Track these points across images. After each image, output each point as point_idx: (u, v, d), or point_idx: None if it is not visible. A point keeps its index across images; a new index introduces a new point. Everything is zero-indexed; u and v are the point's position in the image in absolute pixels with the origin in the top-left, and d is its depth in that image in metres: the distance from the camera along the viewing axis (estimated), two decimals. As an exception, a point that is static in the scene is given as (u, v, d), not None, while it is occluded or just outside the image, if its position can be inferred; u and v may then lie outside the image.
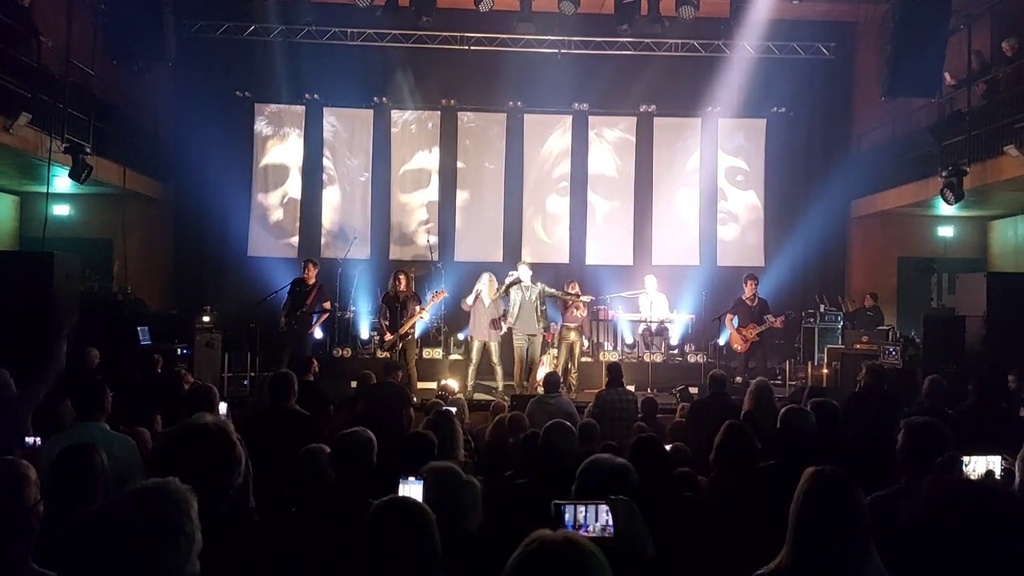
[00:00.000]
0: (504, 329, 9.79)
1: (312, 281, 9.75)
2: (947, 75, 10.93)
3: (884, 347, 9.65)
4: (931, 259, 12.54)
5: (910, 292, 13.04)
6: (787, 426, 3.89)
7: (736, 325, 10.17)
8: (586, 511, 2.18)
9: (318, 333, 10.34)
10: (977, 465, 3.40)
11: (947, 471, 2.95)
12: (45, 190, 9.89)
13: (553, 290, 10.11)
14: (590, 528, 2.18)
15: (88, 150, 9.85)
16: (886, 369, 7.21)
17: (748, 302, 10.18)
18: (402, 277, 9.83)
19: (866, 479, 2.65)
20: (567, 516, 2.18)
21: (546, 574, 1.52)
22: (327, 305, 9.84)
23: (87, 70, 10.67)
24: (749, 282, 10.28)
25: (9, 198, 12.13)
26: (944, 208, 10.98)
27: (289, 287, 9.86)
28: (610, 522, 2.13)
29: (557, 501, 2.20)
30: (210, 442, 2.36)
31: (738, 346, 10.19)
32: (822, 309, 12.01)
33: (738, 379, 9.67)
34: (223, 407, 6.11)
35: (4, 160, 9.69)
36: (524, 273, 9.84)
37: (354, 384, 8.01)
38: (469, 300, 10.01)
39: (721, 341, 10.98)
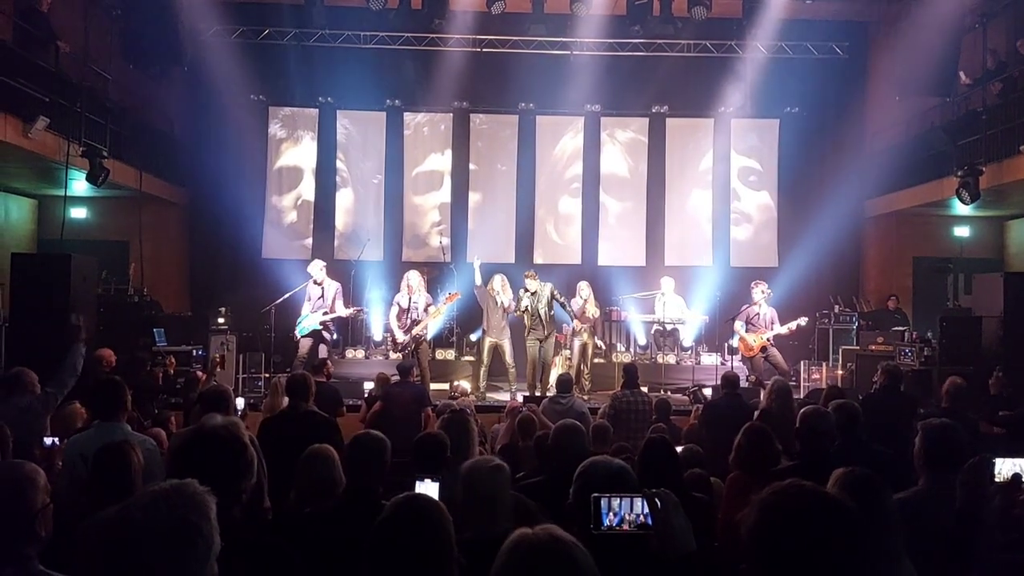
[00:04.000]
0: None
1: (321, 280, 9.76)
2: (962, 74, 10.85)
3: (900, 348, 9.57)
4: (947, 259, 12.43)
5: (926, 292, 12.92)
6: (807, 427, 3.86)
7: (744, 331, 10.01)
8: (620, 503, 2.17)
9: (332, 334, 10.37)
10: (1004, 467, 3.27)
11: (978, 473, 2.92)
12: (63, 193, 9.98)
13: (559, 297, 9.89)
14: (626, 521, 2.16)
15: (105, 153, 9.93)
16: (902, 370, 7.15)
17: (757, 307, 10.03)
18: (414, 278, 9.85)
19: (886, 481, 2.64)
20: (604, 509, 2.17)
21: (533, 571, 1.53)
22: (335, 307, 9.83)
23: (104, 74, 10.76)
24: (757, 286, 10.11)
25: (27, 201, 12.25)
26: (960, 208, 10.88)
27: (305, 290, 9.91)
28: (648, 515, 2.12)
29: (596, 494, 2.19)
30: (221, 445, 2.37)
31: (747, 352, 10.02)
32: (836, 310, 11.92)
33: (751, 377, 9.62)
34: (240, 402, 6.17)
35: (22, 164, 9.79)
36: (531, 285, 9.75)
37: (368, 385, 8.04)
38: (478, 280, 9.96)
39: (734, 343, 10.89)
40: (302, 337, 9.66)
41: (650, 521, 2.11)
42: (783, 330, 9.87)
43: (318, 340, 9.70)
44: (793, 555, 1.45)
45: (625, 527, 2.15)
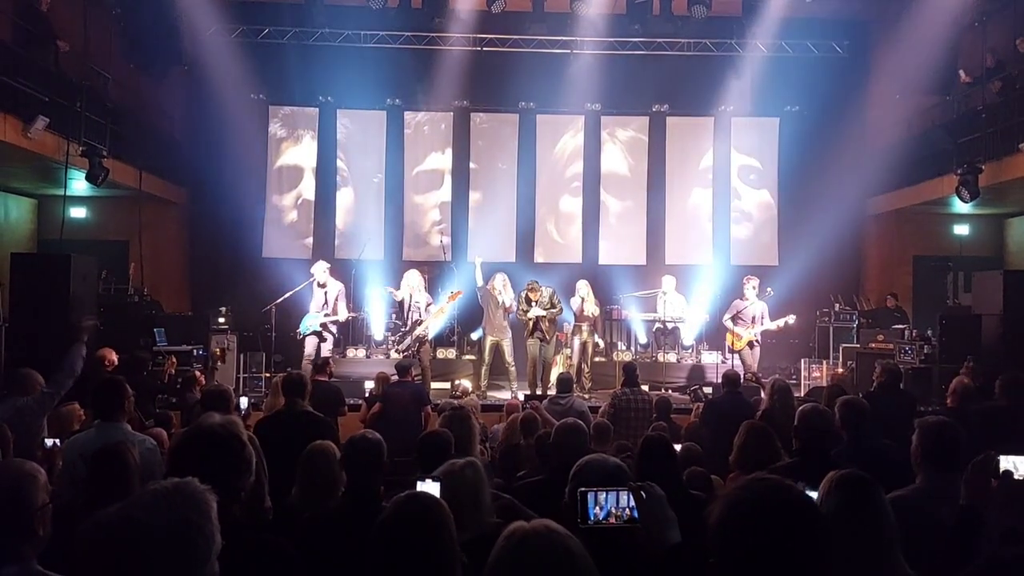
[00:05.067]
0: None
1: (324, 282, 9.74)
2: (962, 72, 10.85)
3: (900, 346, 9.57)
4: (947, 257, 12.43)
5: (926, 290, 12.93)
6: (805, 425, 3.86)
7: (733, 325, 10.04)
8: (607, 497, 2.19)
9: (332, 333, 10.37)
10: (1003, 465, 3.25)
11: (983, 471, 2.92)
12: (62, 193, 9.98)
13: (557, 303, 9.91)
14: (613, 514, 2.18)
15: (104, 153, 9.92)
16: (901, 368, 7.15)
17: (746, 303, 10.06)
18: (414, 278, 9.83)
19: (889, 480, 2.63)
20: (591, 504, 2.18)
21: (531, 563, 1.54)
22: (337, 308, 9.80)
23: (104, 74, 10.76)
24: (748, 282, 10.15)
25: (27, 201, 12.25)
26: (960, 206, 10.88)
27: (310, 289, 9.89)
28: (634, 508, 2.14)
29: (583, 489, 2.21)
30: (219, 443, 2.37)
31: (734, 347, 10.06)
32: (837, 308, 11.92)
33: (748, 375, 9.62)
34: (243, 401, 6.17)
35: (22, 163, 9.79)
36: (533, 295, 9.77)
37: (368, 385, 8.05)
38: (479, 280, 10.00)
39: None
40: (305, 336, 9.66)
41: (636, 514, 2.12)
42: (771, 326, 9.91)
43: (321, 339, 9.70)
44: (755, 549, 1.44)
45: (612, 520, 2.18)
